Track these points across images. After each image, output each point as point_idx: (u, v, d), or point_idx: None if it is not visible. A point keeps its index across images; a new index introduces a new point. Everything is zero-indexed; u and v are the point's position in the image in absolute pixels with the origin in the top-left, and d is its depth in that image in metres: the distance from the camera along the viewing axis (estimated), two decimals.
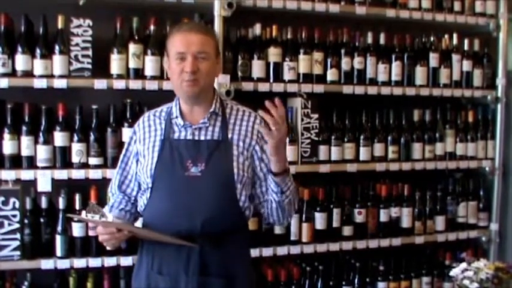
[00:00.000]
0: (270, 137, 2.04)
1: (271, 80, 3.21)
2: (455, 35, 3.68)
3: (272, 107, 1.98)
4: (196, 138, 2.18)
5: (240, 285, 2.18)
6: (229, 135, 2.20)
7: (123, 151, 2.32)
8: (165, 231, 2.07)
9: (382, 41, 3.48)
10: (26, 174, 2.83)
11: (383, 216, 3.45)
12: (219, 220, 2.11)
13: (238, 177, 2.16)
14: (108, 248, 2.28)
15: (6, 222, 2.82)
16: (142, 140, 2.24)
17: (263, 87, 3.16)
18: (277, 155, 2.09)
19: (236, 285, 2.16)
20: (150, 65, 2.98)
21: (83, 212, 2.05)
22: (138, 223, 2.32)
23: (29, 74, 2.82)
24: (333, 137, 3.35)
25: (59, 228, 2.87)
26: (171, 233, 2.05)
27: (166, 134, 2.20)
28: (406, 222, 3.51)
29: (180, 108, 2.22)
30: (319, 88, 3.28)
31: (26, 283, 2.92)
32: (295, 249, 3.25)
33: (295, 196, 2.25)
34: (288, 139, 3.17)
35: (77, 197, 2.90)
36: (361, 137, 3.42)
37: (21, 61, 2.81)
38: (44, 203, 2.91)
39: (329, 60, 3.32)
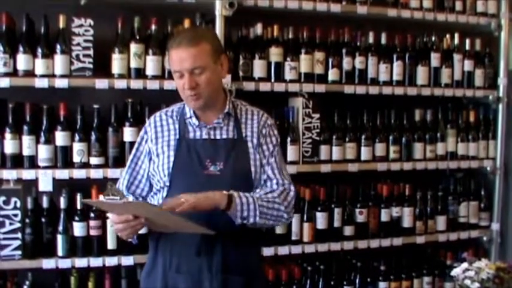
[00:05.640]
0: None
1: (273, 80, 3.21)
2: (456, 35, 3.68)
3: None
4: (213, 137, 2.21)
5: (259, 284, 2.25)
6: (243, 134, 2.24)
7: (133, 151, 2.31)
8: (181, 228, 2.07)
9: (383, 40, 3.48)
10: (27, 174, 2.83)
11: (384, 216, 3.45)
12: None
13: (255, 175, 2.20)
14: (123, 238, 2.15)
15: (7, 221, 2.82)
16: (154, 139, 2.24)
17: (264, 87, 3.16)
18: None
19: (255, 284, 2.20)
20: (151, 65, 2.98)
21: (101, 196, 1.97)
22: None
23: (30, 73, 2.82)
24: (334, 137, 3.34)
25: (60, 228, 2.87)
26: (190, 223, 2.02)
27: (182, 133, 2.22)
28: (407, 222, 3.51)
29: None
30: (320, 88, 3.28)
31: (27, 283, 2.92)
32: (296, 249, 3.25)
33: (270, 213, 2.15)
34: (289, 139, 3.19)
35: (78, 196, 2.90)
36: (363, 136, 3.41)
37: (22, 61, 2.81)
38: (45, 202, 2.91)
39: (330, 60, 3.32)
